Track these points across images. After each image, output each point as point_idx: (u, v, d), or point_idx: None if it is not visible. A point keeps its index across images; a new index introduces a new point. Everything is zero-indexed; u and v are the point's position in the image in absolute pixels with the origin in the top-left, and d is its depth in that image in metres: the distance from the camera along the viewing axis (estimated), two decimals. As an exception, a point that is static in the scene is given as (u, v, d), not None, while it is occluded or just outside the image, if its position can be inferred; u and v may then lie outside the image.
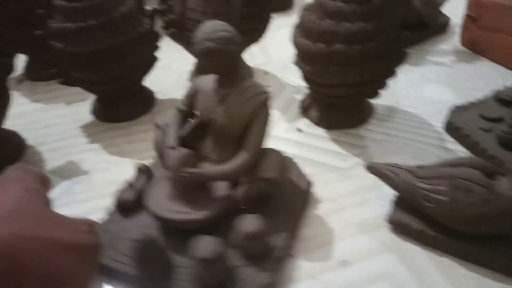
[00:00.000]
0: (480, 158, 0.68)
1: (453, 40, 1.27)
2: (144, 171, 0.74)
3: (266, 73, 1.17)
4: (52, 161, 0.89)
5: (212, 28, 0.62)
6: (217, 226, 0.64)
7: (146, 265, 0.61)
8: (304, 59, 0.87)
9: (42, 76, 1.15)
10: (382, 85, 0.89)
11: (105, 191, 0.80)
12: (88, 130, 0.98)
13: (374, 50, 0.80)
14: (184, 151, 0.65)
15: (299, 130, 0.95)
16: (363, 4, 0.79)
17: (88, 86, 0.94)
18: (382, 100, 1.01)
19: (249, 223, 0.62)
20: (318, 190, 0.78)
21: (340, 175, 0.82)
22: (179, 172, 0.63)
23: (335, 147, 0.89)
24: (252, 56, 1.23)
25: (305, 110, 0.99)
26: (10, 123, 0.92)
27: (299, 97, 1.04)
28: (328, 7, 0.80)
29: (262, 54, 1.27)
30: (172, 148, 0.66)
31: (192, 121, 0.69)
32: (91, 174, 0.85)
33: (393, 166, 0.71)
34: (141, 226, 0.67)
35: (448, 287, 0.62)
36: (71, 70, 0.89)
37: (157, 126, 0.72)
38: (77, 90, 0.97)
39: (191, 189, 0.65)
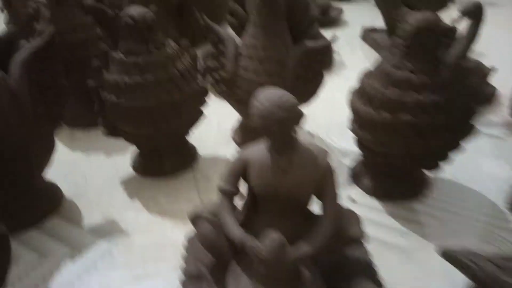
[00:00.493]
0: None
1: (501, 112, 1.23)
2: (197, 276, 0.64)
3: (311, 134, 1.13)
4: (89, 217, 0.84)
5: (277, 95, 0.58)
6: None
7: None
8: (363, 125, 0.83)
9: (81, 122, 1.13)
10: (444, 157, 0.84)
11: (146, 255, 0.74)
12: (128, 184, 0.94)
13: (443, 123, 0.76)
14: (278, 238, 0.57)
15: (353, 201, 0.89)
16: (433, 76, 0.75)
17: (133, 138, 0.90)
18: (438, 172, 0.96)
19: None
20: (383, 273, 0.71)
21: (403, 256, 0.75)
22: (281, 262, 0.56)
23: (392, 222, 0.83)
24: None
25: (356, 178, 0.94)
26: (49, 172, 0.88)
27: (347, 161, 0.99)
28: (396, 76, 0.77)
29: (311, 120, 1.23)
30: (248, 237, 0.59)
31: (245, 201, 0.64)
32: (131, 235, 0.80)
33: (472, 254, 0.64)
34: None
35: None
36: (121, 124, 0.86)
37: (199, 218, 0.65)
38: (117, 140, 0.94)
39: (284, 279, 0.58)
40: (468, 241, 0.77)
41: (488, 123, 1.19)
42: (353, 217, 0.64)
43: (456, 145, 0.82)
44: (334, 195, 0.62)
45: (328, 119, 1.19)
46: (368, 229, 0.80)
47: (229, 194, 0.63)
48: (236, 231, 0.61)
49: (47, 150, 0.81)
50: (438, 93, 0.75)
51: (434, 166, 0.86)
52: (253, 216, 0.65)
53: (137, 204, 0.88)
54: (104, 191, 0.92)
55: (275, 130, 0.58)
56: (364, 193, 0.90)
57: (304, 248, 0.58)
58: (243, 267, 0.61)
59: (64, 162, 1.01)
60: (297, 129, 0.64)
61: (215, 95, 1.01)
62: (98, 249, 0.76)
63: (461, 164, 1.00)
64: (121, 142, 0.98)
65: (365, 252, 0.71)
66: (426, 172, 0.93)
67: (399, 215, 0.85)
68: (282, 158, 0.62)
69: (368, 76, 0.84)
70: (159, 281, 0.70)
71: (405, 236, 0.79)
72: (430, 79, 0.75)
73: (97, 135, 1.07)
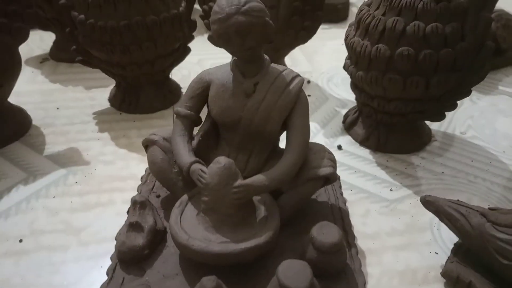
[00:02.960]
0: None
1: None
2: (143, 203, 0.56)
3: (309, 81, 1.04)
4: (53, 145, 0.79)
5: None
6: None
7: None
8: (358, 62, 0.73)
9: (67, 56, 1.07)
10: (450, 106, 0.73)
11: (103, 186, 0.68)
12: (101, 118, 0.88)
13: (448, 59, 0.65)
14: (226, 161, 0.49)
15: (339, 148, 0.80)
16: (441, 1, 0.64)
17: (108, 68, 0.84)
18: (443, 126, 0.85)
19: (327, 232, 0.49)
20: (356, 222, 0.63)
21: (385, 208, 0.66)
22: (228, 189, 0.49)
23: (382, 174, 0.74)
24: (295, 61, 1.10)
25: (349, 126, 0.84)
26: (21, 100, 0.83)
27: (344, 112, 0.90)
28: (398, 1, 0.66)
29: (307, 62, 1.14)
30: (195, 163, 0.52)
31: (202, 127, 0.56)
32: (92, 165, 0.74)
33: (460, 205, 0.55)
34: (162, 279, 0.50)
35: None
36: (92, 48, 0.79)
37: (152, 142, 0.58)
38: (101, 75, 0.88)
39: (237, 209, 0.50)
40: (468, 200, 0.67)
41: (509, 81, 1.06)
42: (325, 155, 0.56)
43: (465, 92, 0.71)
44: (302, 127, 0.53)
45: (333, 69, 1.09)
46: (353, 178, 0.73)
47: (184, 117, 0.56)
48: (184, 156, 0.53)
49: (10, 68, 0.75)
50: (445, 22, 0.64)
51: (437, 116, 0.75)
52: (212, 151, 0.58)
53: (105, 136, 0.82)
54: (74, 122, 0.86)
55: (236, 41, 0.50)
56: (355, 142, 0.81)
57: (258, 179, 0.50)
58: (192, 199, 0.54)
59: (41, 91, 0.96)
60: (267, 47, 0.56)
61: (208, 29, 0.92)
62: (54, 176, 0.71)
63: (472, 120, 0.89)
64: (103, 78, 0.93)
65: (338, 195, 0.62)
66: (428, 125, 0.82)
67: (390, 167, 0.75)
68: (246, 80, 0.53)
69: (368, 4, 0.73)
70: (110, 210, 0.64)
71: (395, 189, 0.70)
72: (439, 5, 0.64)
73: (81, 70, 1.02)
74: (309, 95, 0.95)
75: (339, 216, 0.59)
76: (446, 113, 0.75)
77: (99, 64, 0.83)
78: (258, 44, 0.50)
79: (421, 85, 0.66)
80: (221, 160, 0.49)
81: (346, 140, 0.82)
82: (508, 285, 0.49)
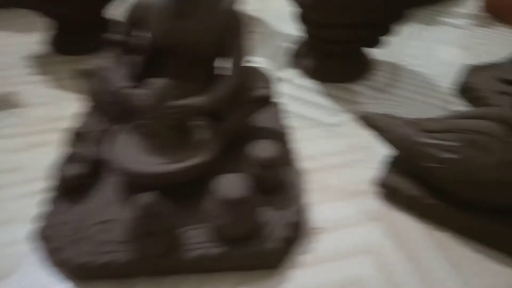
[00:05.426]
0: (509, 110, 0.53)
1: (472, 4, 1.12)
2: (83, 135, 0.56)
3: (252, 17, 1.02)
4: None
5: None
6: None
7: (148, 240, 0.44)
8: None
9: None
10: (386, 30, 0.74)
11: (38, 128, 0.66)
12: (34, 61, 0.84)
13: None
14: (161, 82, 0.49)
15: (279, 79, 0.80)
16: None
17: (39, 7, 0.79)
18: (387, 57, 0.87)
19: (264, 148, 0.50)
20: (300, 146, 0.64)
21: (327, 132, 0.68)
22: (163, 108, 0.48)
23: (327, 102, 0.75)
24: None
25: (298, 59, 0.84)
26: None
27: (290, 46, 0.89)
28: None
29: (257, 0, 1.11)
30: (130, 87, 0.50)
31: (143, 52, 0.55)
32: (26, 108, 0.71)
33: (394, 118, 0.57)
34: (105, 204, 0.50)
35: (443, 267, 0.49)
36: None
37: (88, 73, 0.55)
38: (32, 19, 0.83)
39: (172, 132, 0.50)
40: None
41: (457, 14, 1.08)
42: (261, 77, 0.56)
43: (398, 15, 0.72)
44: (237, 48, 0.53)
45: (283, 7, 1.07)
46: (299, 108, 0.74)
47: (118, 44, 0.54)
48: (121, 82, 0.52)
49: None
50: None
51: (374, 42, 0.76)
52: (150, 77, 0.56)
53: (39, 79, 0.78)
54: (7, 67, 0.82)
55: None
56: (304, 74, 0.82)
57: (194, 99, 0.50)
58: (128, 127, 0.53)
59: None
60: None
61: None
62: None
63: (414, 49, 0.91)
64: (36, 22, 0.88)
65: (276, 116, 0.63)
66: (370, 54, 0.84)
67: (335, 96, 0.77)
68: (180, 1, 0.52)
69: None
70: (48, 149, 0.62)
71: (338, 114, 0.72)
72: None
73: (12, 16, 0.96)
74: (253, 31, 0.95)
75: (280, 137, 0.60)
76: (389, 43, 0.76)
77: (28, 3, 0.79)
78: None
79: (359, 10, 0.67)
80: (156, 81, 0.49)
81: (294, 73, 0.82)
82: (434, 188, 0.52)
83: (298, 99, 0.75)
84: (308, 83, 0.80)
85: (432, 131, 0.52)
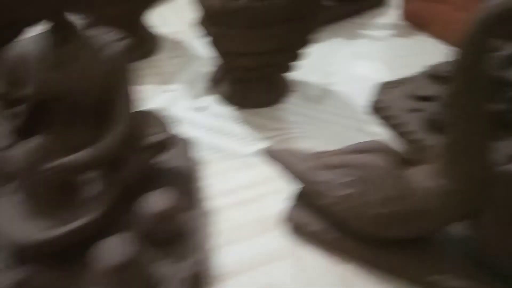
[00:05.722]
0: (387, 143, 0.54)
1: (392, 14, 1.15)
2: None
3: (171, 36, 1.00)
4: None
5: None
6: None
7: None
8: (210, 18, 0.71)
9: None
10: (294, 56, 0.74)
11: None
12: None
13: (282, 10, 0.65)
14: (33, 141, 0.46)
15: (199, 110, 0.79)
16: None
17: None
18: (307, 77, 0.87)
19: (156, 200, 0.48)
20: (211, 182, 0.63)
21: (241, 163, 0.68)
22: (38, 171, 0.45)
23: (243, 130, 0.74)
24: (165, 21, 1.06)
25: (216, 85, 0.83)
26: None
27: (209, 71, 0.88)
28: None
29: (178, 21, 1.09)
30: (6, 147, 0.47)
31: (24, 105, 0.51)
32: None
33: (294, 154, 0.57)
34: None
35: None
36: None
37: None
38: None
39: (54, 192, 0.47)
40: (319, 144, 0.70)
41: (376, 25, 1.10)
42: (156, 121, 0.54)
43: (303, 41, 0.72)
44: (125, 95, 0.51)
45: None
46: (216, 138, 0.73)
47: None
48: None
49: None
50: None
51: (285, 68, 0.77)
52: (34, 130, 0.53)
53: None
54: None
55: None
56: (222, 100, 0.81)
57: (75, 156, 0.48)
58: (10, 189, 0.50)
59: None
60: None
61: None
62: None
63: (333, 67, 0.92)
64: None
65: (184, 155, 0.62)
66: (288, 76, 0.84)
67: (253, 122, 0.76)
68: (59, 49, 0.49)
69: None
70: None
71: (254, 143, 0.71)
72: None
73: None
74: (177, 56, 0.93)
75: (185, 179, 0.59)
76: (308, 63, 0.76)
77: None
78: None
79: (258, 39, 0.66)
80: (28, 142, 0.46)
81: (210, 100, 0.81)
82: (339, 222, 0.53)
83: (212, 129, 0.75)
84: (225, 110, 0.79)
85: (331, 167, 0.53)
